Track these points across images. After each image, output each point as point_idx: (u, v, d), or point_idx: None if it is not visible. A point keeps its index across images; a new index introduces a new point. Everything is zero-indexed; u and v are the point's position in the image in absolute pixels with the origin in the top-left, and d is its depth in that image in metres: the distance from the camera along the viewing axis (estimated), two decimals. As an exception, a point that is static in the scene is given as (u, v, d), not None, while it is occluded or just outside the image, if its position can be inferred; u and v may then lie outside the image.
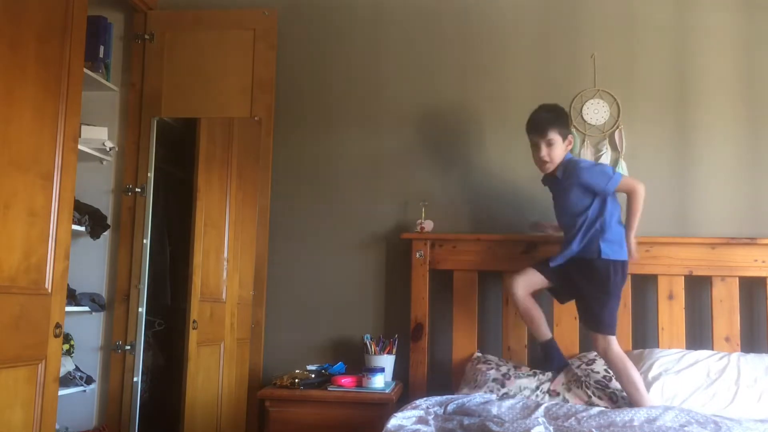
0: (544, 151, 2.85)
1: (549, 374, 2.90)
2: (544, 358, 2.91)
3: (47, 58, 2.48)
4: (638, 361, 2.97)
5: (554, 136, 2.85)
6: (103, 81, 3.38)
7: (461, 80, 3.47)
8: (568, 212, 2.86)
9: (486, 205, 3.38)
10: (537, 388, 2.86)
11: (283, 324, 3.45)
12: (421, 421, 2.43)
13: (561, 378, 2.88)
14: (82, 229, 3.20)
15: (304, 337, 3.42)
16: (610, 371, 2.84)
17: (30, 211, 2.39)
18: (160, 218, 3.42)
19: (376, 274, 3.43)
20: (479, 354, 3.18)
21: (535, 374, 2.91)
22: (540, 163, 2.90)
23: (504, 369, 2.96)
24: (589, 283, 2.78)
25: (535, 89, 3.30)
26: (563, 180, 2.86)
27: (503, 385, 2.87)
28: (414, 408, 2.57)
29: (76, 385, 3.15)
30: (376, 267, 3.43)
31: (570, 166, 2.86)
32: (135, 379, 3.24)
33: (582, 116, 3.36)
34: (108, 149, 3.38)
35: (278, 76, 3.54)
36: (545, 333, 2.91)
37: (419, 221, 3.28)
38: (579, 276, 2.80)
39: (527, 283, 2.89)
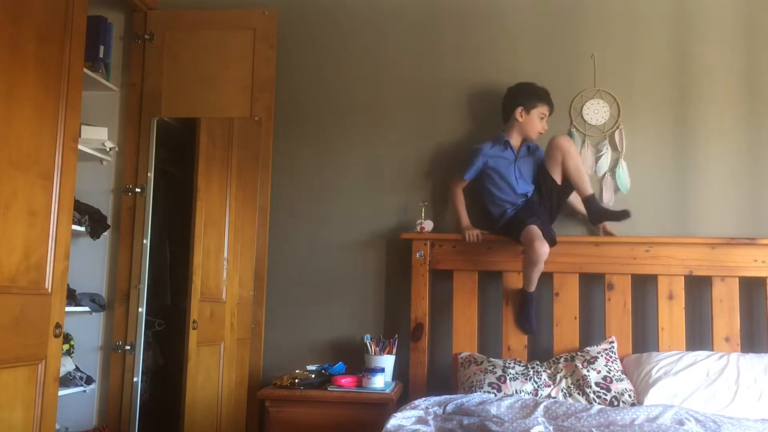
0: (545, 121, 3.20)
1: (545, 378, 2.92)
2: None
3: (47, 58, 2.48)
4: (637, 366, 2.98)
5: None
6: (103, 81, 3.38)
7: (461, 80, 3.47)
8: (526, 179, 3.19)
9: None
10: (536, 393, 2.87)
11: (283, 324, 3.44)
12: (421, 421, 2.43)
13: (561, 384, 2.90)
14: (82, 229, 3.20)
15: (304, 337, 3.42)
16: (612, 372, 2.89)
17: (30, 211, 2.39)
18: (160, 218, 3.42)
19: (376, 274, 3.43)
20: (467, 354, 3.16)
21: (528, 377, 2.93)
22: (535, 133, 3.20)
23: (498, 371, 2.94)
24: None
25: (536, 89, 3.28)
26: (532, 151, 3.23)
27: (500, 390, 2.87)
28: (413, 408, 2.57)
29: (76, 385, 3.15)
30: (376, 267, 3.43)
31: (533, 144, 3.25)
32: (135, 379, 3.24)
33: (582, 116, 3.36)
34: (108, 149, 3.38)
35: (278, 76, 3.54)
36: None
37: (419, 221, 3.28)
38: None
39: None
